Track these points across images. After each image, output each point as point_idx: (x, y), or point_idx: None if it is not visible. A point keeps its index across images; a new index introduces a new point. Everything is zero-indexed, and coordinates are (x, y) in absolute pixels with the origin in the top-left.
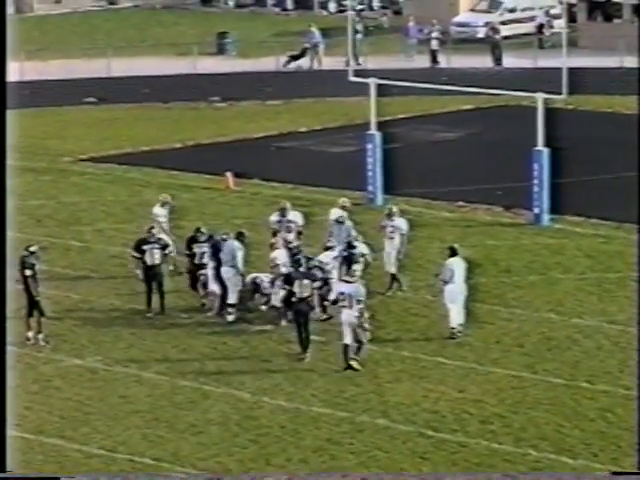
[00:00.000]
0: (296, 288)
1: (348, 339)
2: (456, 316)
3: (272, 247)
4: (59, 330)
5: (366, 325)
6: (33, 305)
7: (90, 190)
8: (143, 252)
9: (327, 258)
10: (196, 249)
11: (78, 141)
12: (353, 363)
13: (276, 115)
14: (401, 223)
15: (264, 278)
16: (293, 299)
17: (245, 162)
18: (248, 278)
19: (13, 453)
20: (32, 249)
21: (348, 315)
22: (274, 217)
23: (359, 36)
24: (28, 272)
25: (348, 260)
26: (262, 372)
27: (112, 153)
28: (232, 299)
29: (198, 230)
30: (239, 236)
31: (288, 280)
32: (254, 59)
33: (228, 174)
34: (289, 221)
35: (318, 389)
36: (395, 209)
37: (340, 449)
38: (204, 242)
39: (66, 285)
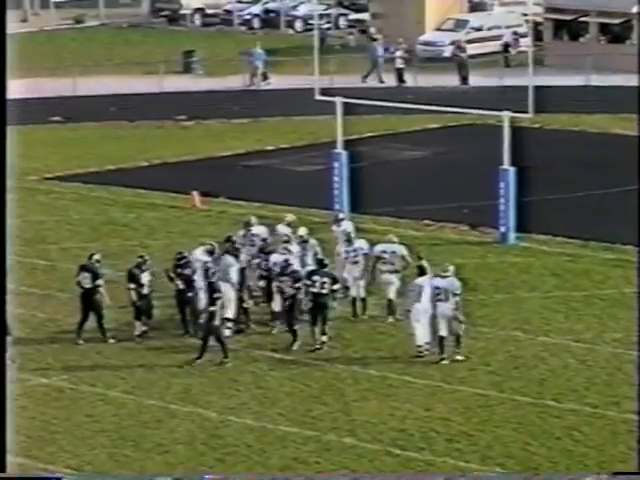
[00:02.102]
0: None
1: (444, 332)
2: (422, 335)
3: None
4: (25, 349)
5: (461, 318)
6: None
7: (56, 209)
8: (139, 280)
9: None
10: (143, 279)
11: (44, 160)
12: (457, 357)
13: (243, 134)
14: (362, 244)
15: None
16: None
17: (212, 181)
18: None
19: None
20: None
21: (444, 308)
22: (240, 232)
23: (380, 51)
24: None
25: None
26: (228, 391)
27: (78, 172)
28: (229, 314)
29: (142, 258)
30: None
31: (212, 289)
32: (221, 78)
33: (194, 193)
34: (253, 235)
35: (285, 408)
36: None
37: (307, 468)
38: (146, 271)
39: (32, 304)
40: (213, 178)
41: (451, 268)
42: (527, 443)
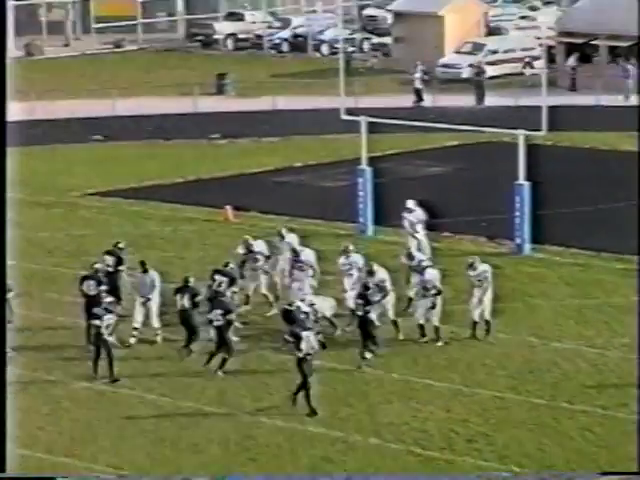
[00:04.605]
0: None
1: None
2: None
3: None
4: (69, 354)
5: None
6: None
7: (97, 223)
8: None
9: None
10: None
11: (85, 177)
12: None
13: (272, 151)
14: (357, 259)
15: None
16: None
17: (243, 196)
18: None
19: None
20: None
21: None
22: (240, 250)
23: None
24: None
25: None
26: (260, 393)
27: (118, 188)
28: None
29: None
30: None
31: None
32: (252, 99)
33: (227, 207)
34: (255, 253)
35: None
36: (351, 246)
37: (334, 467)
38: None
39: (75, 312)
40: (245, 193)
41: (476, 257)
42: (542, 443)
